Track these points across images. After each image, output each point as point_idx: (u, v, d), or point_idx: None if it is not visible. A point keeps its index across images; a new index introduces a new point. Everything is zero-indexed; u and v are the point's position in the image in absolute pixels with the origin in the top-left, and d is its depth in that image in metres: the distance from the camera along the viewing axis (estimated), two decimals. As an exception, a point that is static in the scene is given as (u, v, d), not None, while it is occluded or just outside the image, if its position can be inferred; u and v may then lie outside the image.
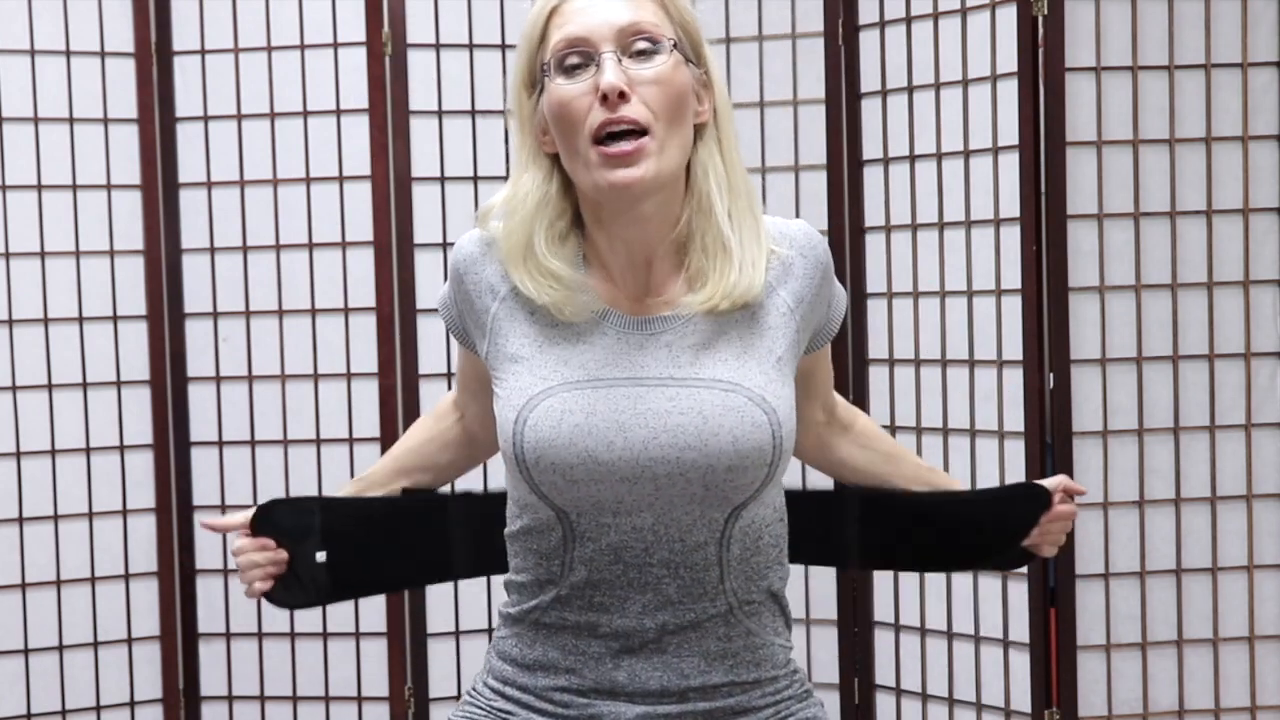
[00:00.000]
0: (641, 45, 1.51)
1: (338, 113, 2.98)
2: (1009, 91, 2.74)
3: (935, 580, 2.89)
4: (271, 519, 1.73)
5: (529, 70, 1.56)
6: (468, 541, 1.82)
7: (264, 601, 1.75)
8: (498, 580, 1.70)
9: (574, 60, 1.51)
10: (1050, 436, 2.77)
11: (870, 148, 2.93)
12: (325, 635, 3.01)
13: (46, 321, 2.95)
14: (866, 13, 2.91)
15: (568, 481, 1.51)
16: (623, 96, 1.48)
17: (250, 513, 1.72)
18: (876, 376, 2.94)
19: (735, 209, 1.56)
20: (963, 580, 2.85)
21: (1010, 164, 2.75)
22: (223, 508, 3.02)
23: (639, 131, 1.49)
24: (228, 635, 3.03)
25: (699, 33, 1.57)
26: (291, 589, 1.74)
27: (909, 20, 2.86)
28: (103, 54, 2.96)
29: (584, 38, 1.50)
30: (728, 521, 1.55)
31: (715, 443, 1.50)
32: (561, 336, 1.56)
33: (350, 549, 1.78)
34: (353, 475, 2.99)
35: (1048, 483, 1.83)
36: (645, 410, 1.51)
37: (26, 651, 2.95)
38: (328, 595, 1.80)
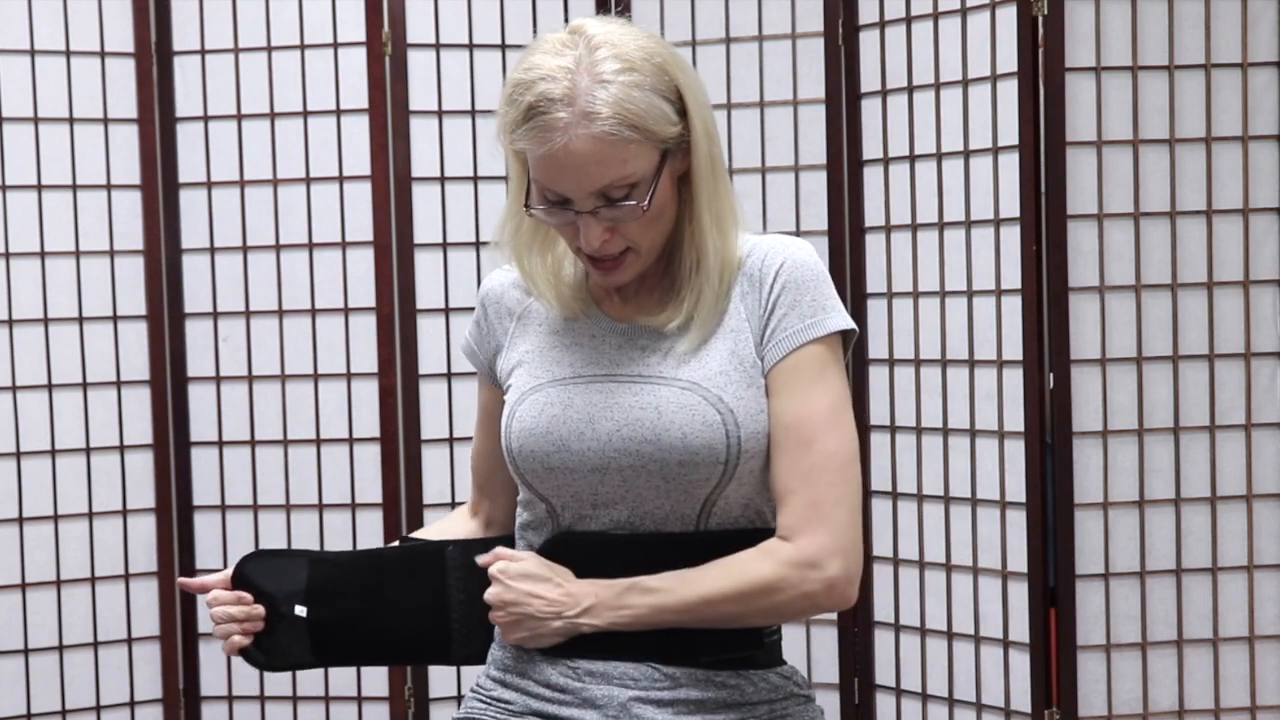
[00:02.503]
0: (618, 192, 1.53)
1: (338, 113, 2.98)
2: (1009, 91, 2.74)
3: (935, 580, 2.89)
4: (251, 573, 1.66)
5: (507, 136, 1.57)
6: (467, 605, 1.69)
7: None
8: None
9: (552, 199, 1.55)
10: (1050, 436, 2.77)
11: (870, 148, 2.93)
12: (325, 635, 3.01)
13: (46, 321, 2.95)
14: (866, 13, 2.91)
15: (546, 469, 1.60)
16: (606, 241, 1.56)
17: (230, 569, 1.68)
18: (876, 376, 2.94)
19: (710, 241, 1.60)
20: (963, 580, 2.85)
21: (1010, 164, 2.75)
22: (223, 508, 3.02)
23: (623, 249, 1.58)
24: (228, 635, 3.03)
25: (682, 108, 1.55)
26: (268, 648, 1.66)
27: (909, 20, 2.86)
28: (103, 54, 2.96)
29: (561, 194, 1.54)
30: (700, 518, 1.60)
31: (667, 437, 1.56)
32: (560, 341, 1.66)
33: (335, 606, 1.67)
34: (352, 476, 3.00)
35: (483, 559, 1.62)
36: (613, 404, 1.59)
37: (26, 651, 2.95)
38: (308, 657, 1.68)
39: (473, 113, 2.99)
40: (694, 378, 1.59)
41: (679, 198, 1.60)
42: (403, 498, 2.98)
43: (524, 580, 1.58)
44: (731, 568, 1.56)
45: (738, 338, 1.61)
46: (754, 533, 1.61)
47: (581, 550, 1.60)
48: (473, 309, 1.76)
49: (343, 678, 3.01)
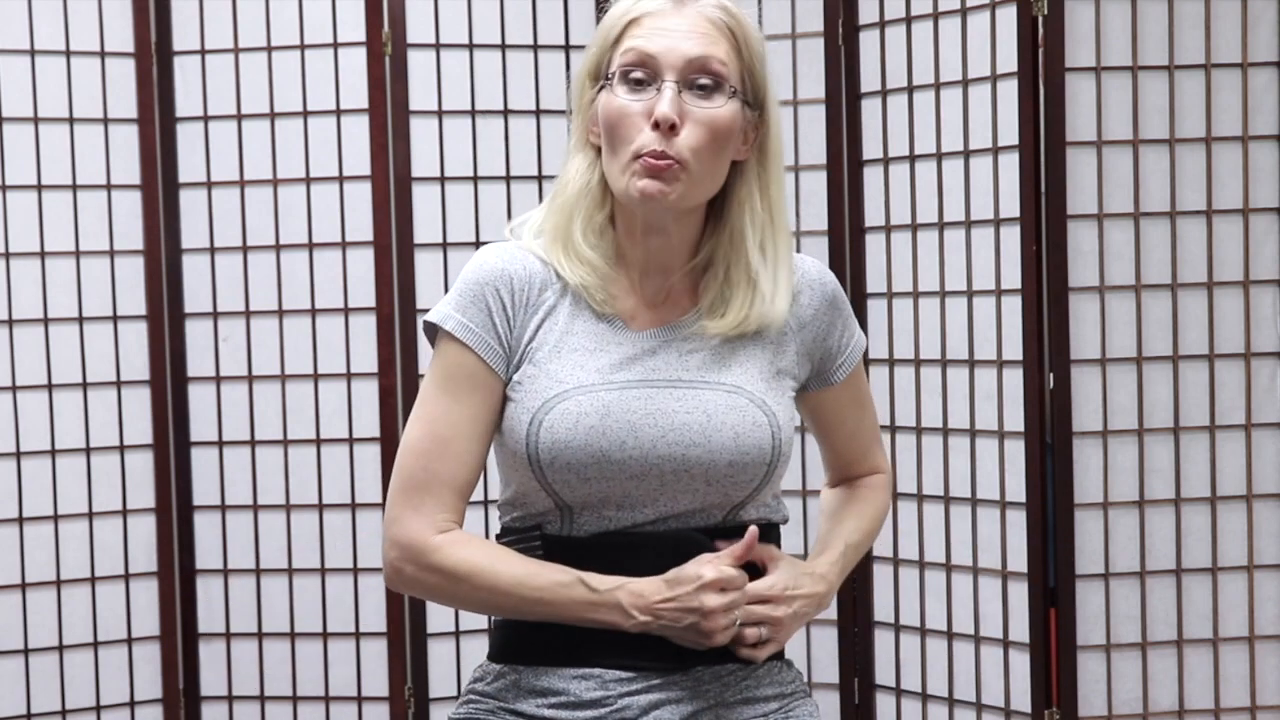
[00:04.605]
0: (704, 81, 1.57)
1: (338, 113, 2.98)
2: (1009, 91, 2.74)
3: (935, 580, 2.89)
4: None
5: (597, 63, 1.62)
6: None
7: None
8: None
9: (638, 75, 1.57)
10: (1050, 436, 2.77)
11: (870, 148, 2.93)
12: (325, 635, 3.01)
13: (46, 321, 2.95)
14: (866, 13, 2.91)
15: (581, 480, 1.57)
16: (673, 128, 1.55)
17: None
18: (876, 376, 2.94)
19: (772, 245, 1.63)
20: (963, 580, 2.85)
21: (1010, 164, 2.75)
22: (223, 508, 3.02)
23: (678, 162, 1.57)
24: (228, 635, 3.03)
25: (766, 79, 1.62)
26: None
27: (909, 20, 2.86)
28: (103, 54, 2.96)
29: (653, 57, 1.57)
30: (725, 520, 1.62)
31: (718, 439, 1.58)
32: (581, 344, 1.61)
33: None
34: (352, 476, 3.00)
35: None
36: (654, 410, 1.58)
37: (26, 651, 2.94)
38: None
39: (473, 113, 2.98)
40: (737, 382, 1.61)
41: (740, 199, 1.63)
42: (403, 498, 2.97)
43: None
44: (876, 505, 1.82)
45: (778, 349, 1.66)
46: (769, 527, 1.66)
47: (624, 548, 1.59)
48: None
49: (343, 677, 3.02)
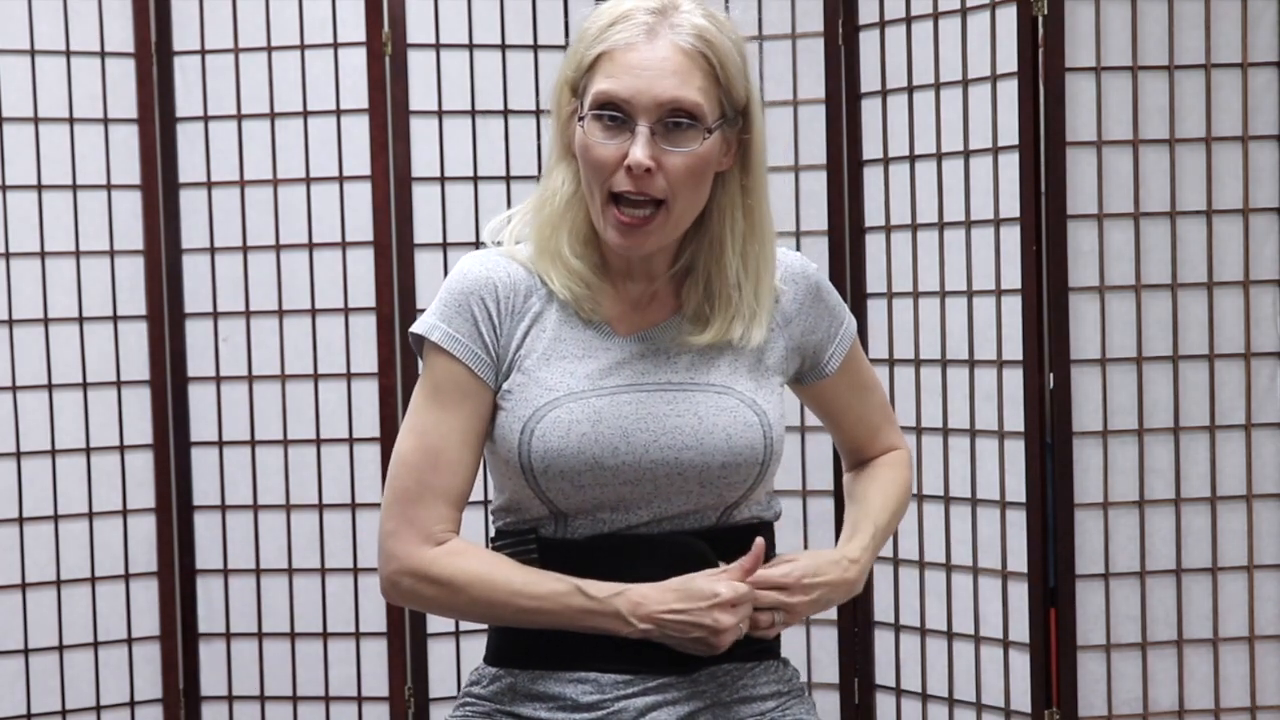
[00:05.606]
0: (679, 120, 1.53)
1: (338, 113, 2.98)
2: (1009, 91, 2.74)
3: (935, 580, 2.89)
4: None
5: (574, 79, 1.58)
6: None
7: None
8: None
9: (611, 116, 1.53)
10: (1050, 436, 2.77)
11: (870, 148, 2.93)
12: (325, 635, 3.01)
13: (46, 321, 2.95)
14: (866, 13, 2.91)
15: (574, 487, 1.57)
16: (648, 171, 1.52)
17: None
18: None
19: (753, 256, 1.61)
20: (963, 580, 2.85)
21: (1010, 164, 2.75)
22: (223, 508, 3.02)
23: (655, 201, 1.54)
24: (228, 635, 3.03)
25: (748, 87, 1.58)
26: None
27: (909, 20, 2.86)
28: (103, 54, 2.96)
29: (626, 101, 1.52)
30: (719, 520, 1.62)
31: (710, 440, 1.57)
32: (568, 350, 1.60)
33: None
34: (352, 476, 3.00)
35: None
36: (646, 415, 1.58)
37: (26, 651, 2.94)
38: None
39: (473, 113, 2.98)
40: (727, 382, 1.61)
41: (722, 207, 1.60)
42: (403, 498, 2.97)
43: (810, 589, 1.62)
44: (899, 483, 1.79)
45: (764, 346, 1.64)
46: (761, 525, 1.65)
47: (620, 550, 1.59)
48: None
49: (343, 677, 3.02)
